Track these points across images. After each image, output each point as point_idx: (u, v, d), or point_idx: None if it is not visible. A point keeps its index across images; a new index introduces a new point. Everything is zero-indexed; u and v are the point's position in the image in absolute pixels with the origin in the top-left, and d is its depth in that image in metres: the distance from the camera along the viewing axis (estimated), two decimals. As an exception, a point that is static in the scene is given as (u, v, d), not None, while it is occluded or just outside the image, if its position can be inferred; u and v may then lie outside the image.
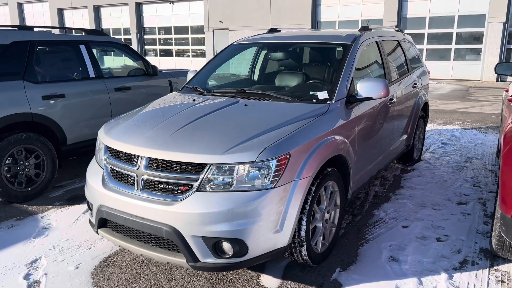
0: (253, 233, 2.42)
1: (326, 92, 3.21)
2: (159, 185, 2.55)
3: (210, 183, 2.44)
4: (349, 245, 3.24)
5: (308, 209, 2.69)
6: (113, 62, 14.21)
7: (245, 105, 3.16)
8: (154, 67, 5.55)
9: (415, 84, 4.87)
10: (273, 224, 2.49)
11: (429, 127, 7.66)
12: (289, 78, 3.75)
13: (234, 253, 2.44)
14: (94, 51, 5.08)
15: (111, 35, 26.66)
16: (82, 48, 4.82)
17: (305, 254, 2.77)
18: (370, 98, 3.25)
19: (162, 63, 24.67)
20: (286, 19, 19.94)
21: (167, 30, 24.75)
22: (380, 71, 4.10)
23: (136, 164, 2.63)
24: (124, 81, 5.20)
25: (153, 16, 24.98)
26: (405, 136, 4.76)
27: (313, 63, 4.06)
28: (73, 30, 5.08)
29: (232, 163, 2.44)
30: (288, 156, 2.52)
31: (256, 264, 2.65)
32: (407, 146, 4.93)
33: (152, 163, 2.58)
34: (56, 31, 5.78)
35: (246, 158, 2.44)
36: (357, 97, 3.26)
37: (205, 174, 2.44)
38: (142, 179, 2.59)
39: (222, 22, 22.04)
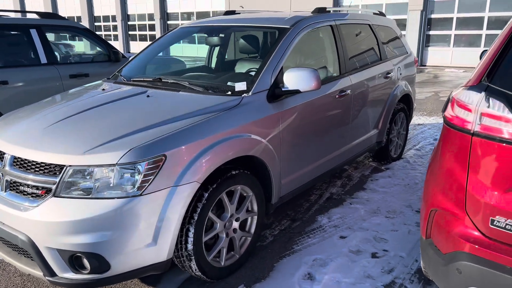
0: (114, 247, 2.10)
1: (245, 83, 2.80)
2: (20, 187, 2.26)
3: (68, 188, 2.13)
4: (269, 257, 2.86)
5: (197, 218, 2.33)
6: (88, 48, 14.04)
7: (147, 96, 2.81)
8: (117, 53, 5.27)
9: (388, 73, 4.33)
10: (142, 237, 2.15)
11: (430, 120, 7.02)
12: (220, 67, 3.37)
13: (92, 269, 2.13)
14: (51, 35, 4.85)
15: (136, 21, 26.83)
16: (33, 32, 4.59)
17: (195, 269, 2.42)
18: (297, 91, 2.82)
19: (184, 50, 24.54)
20: (307, 3, 19.19)
21: (189, 15, 24.53)
22: (331, 59, 3.62)
23: (2, 162, 2.35)
24: (81, 67, 4.96)
25: (176, 1, 24.80)
26: (374, 132, 4.26)
27: (247, 50, 3.63)
28: (27, 14, 4.89)
29: (91, 165, 2.11)
30: (163, 158, 2.17)
31: (150, 275, 2.33)
32: (379, 143, 4.43)
33: (16, 162, 2.30)
34: (9, 15, 5.59)
35: (106, 160, 2.11)
36: (283, 89, 2.84)
37: (62, 177, 2.13)
38: (6, 180, 2.31)
39: (242, 7, 21.56)
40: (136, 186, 2.11)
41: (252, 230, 2.81)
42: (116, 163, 2.09)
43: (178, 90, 2.87)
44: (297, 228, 3.25)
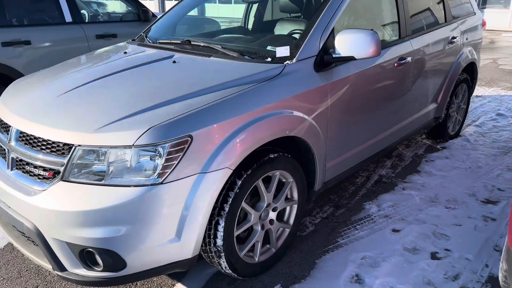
0: (130, 243, 1.78)
1: (288, 47, 2.34)
2: (26, 166, 1.96)
3: (78, 172, 1.80)
4: (310, 251, 2.49)
5: (228, 210, 1.97)
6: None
7: (174, 61, 2.40)
8: (146, 11, 4.86)
9: (454, 38, 3.72)
10: (163, 232, 1.82)
11: (489, 92, 6.30)
12: (258, 28, 2.90)
13: (106, 267, 1.83)
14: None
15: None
16: (57, -12, 4.24)
17: (225, 267, 2.09)
18: (352, 58, 2.34)
19: (220, 11, 23.78)
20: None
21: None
22: (390, 19, 3.06)
23: (8, 136, 2.05)
24: (109, 27, 4.60)
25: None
26: (432, 106, 3.72)
27: (289, 9, 3.12)
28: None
29: (103, 146, 1.76)
30: (189, 139, 1.79)
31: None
32: (437, 119, 3.89)
33: (22, 137, 1.98)
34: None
35: (122, 140, 1.75)
36: (334, 56, 2.36)
37: (71, 158, 1.80)
38: (12, 157, 2.01)
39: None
40: (156, 172, 1.75)
41: (291, 221, 2.43)
42: (133, 145, 1.73)
43: (209, 55, 2.45)
44: (342, 217, 2.85)
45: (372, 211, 2.91)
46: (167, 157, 1.75)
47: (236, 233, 2.08)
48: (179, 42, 2.72)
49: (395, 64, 2.91)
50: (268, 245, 2.35)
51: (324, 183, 2.62)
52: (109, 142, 1.76)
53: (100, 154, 1.78)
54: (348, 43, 2.31)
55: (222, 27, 3.92)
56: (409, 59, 3.03)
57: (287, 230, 2.42)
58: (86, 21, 4.50)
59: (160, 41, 2.87)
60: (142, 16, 4.85)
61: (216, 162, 1.86)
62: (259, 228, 2.22)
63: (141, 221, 1.76)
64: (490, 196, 3.11)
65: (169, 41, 2.80)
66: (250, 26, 3.88)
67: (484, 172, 3.50)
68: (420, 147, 4.07)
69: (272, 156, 2.13)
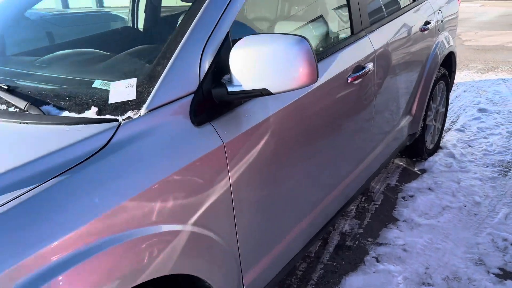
0: None
1: (132, 83, 1.16)
2: None
3: None
4: None
5: None
6: None
7: None
8: None
9: (427, 24, 2.64)
10: None
11: (462, 76, 5.34)
12: (154, 28, 1.71)
13: None
14: None
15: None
16: None
17: None
18: (265, 92, 1.18)
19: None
20: None
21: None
22: (336, 6, 1.93)
23: None
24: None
25: None
26: (406, 121, 2.65)
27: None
28: None
29: None
30: None
31: None
32: (412, 136, 2.83)
33: None
34: None
35: None
36: (230, 90, 1.19)
37: None
38: None
39: None
40: None
41: None
42: None
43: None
44: (285, 338, 1.73)
45: (333, 318, 1.81)
46: None
47: None
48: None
49: (349, 80, 1.78)
50: None
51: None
52: None
53: None
54: (254, 64, 1.15)
55: (98, 27, 2.65)
56: (369, 66, 1.90)
57: None
58: None
59: None
60: None
61: None
62: None
63: None
64: (505, 262, 2.08)
65: None
66: (141, 25, 2.65)
67: (486, 213, 2.47)
68: (392, 173, 3.01)
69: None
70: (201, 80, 1.20)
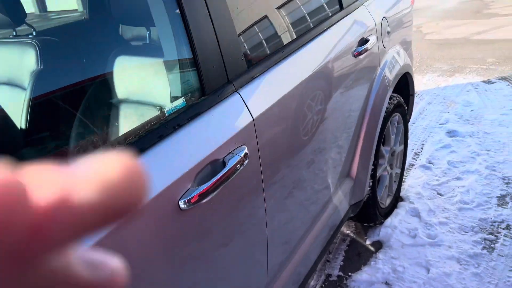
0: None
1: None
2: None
3: None
4: None
5: None
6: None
7: None
8: None
9: (366, 43, 1.72)
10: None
11: (425, 81, 4.51)
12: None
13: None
14: None
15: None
16: None
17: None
18: None
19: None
20: None
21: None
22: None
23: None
24: None
25: None
26: (345, 189, 1.75)
27: None
28: None
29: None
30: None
31: None
32: (357, 205, 1.94)
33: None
34: None
35: None
36: None
37: None
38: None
39: None
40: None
41: None
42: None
43: None
44: None
45: None
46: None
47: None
48: None
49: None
50: None
51: None
52: None
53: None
54: None
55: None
56: (242, 155, 0.97)
57: None
58: None
59: None
60: None
61: None
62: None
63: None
64: None
65: None
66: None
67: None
68: (335, 253, 2.10)
69: None
70: None
